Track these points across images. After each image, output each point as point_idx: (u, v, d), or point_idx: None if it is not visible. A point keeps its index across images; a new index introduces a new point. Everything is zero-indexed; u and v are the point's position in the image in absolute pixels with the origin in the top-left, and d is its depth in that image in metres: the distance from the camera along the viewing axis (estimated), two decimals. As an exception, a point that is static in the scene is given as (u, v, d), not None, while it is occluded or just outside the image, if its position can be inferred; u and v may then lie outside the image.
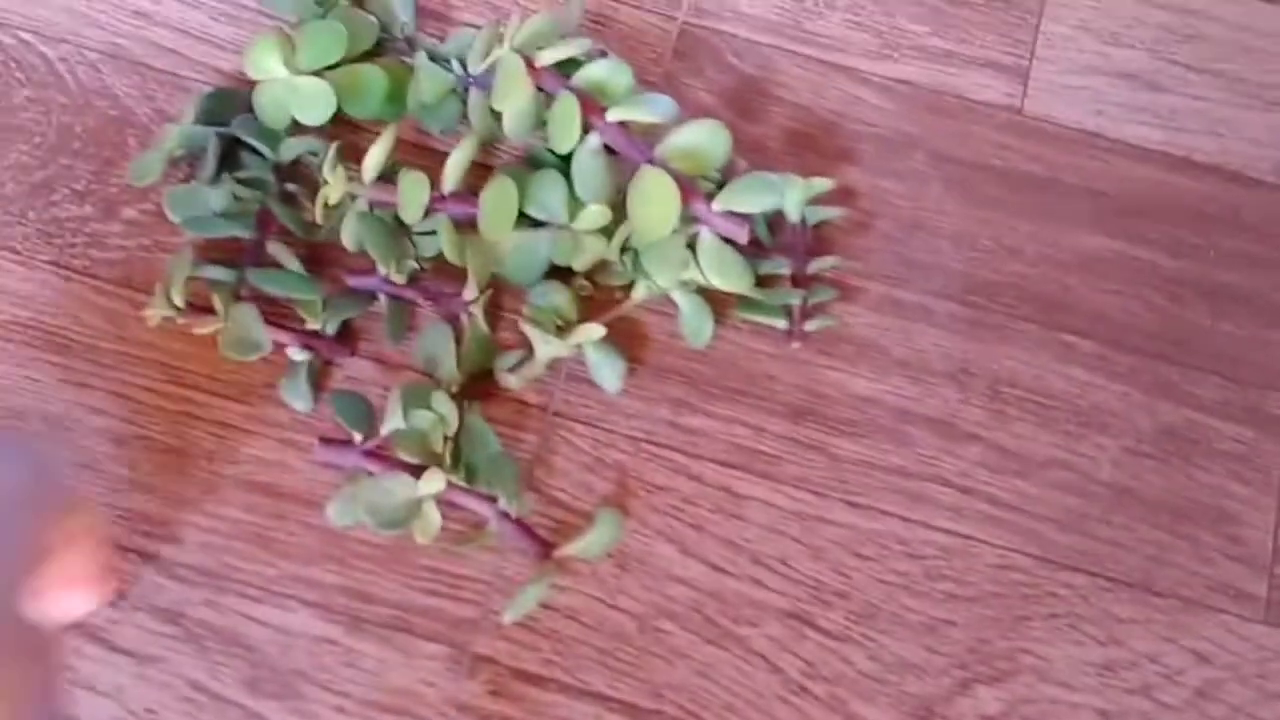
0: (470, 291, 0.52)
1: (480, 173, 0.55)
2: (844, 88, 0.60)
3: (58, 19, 0.58)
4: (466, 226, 0.53)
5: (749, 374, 0.55)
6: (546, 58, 0.53)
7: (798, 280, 0.55)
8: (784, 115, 0.59)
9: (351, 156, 0.55)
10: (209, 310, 0.52)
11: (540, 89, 0.53)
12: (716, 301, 0.55)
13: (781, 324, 0.55)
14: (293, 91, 0.54)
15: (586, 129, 0.52)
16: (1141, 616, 0.53)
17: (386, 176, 0.54)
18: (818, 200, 0.56)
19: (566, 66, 0.53)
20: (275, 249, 0.54)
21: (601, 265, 0.55)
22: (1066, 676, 0.52)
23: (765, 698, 0.50)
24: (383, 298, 0.54)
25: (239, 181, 0.54)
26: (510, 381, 0.53)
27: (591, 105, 0.52)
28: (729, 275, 0.53)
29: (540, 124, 0.54)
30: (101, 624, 0.49)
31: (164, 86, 0.58)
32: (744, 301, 0.55)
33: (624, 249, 0.54)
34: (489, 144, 0.57)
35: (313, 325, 0.53)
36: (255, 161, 0.55)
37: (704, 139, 0.53)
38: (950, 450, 0.54)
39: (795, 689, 0.51)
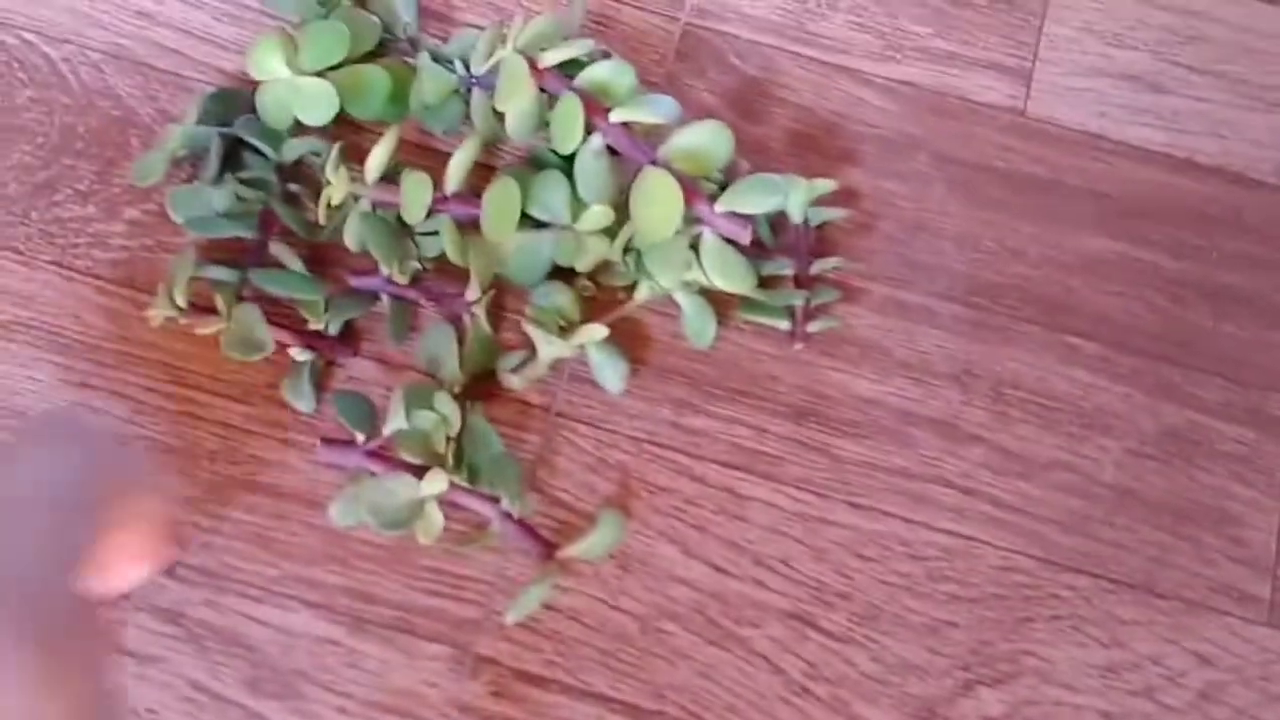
0: (473, 292, 0.52)
1: (483, 173, 0.55)
2: (847, 89, 0.60)
3: (61, 19, 0.58)
4: (469, 227, 0.53)
5: (751, 375, 0.55)
6: (549, 58, 0.53)
7: (800, 281, 0.55)
8: (786, 116, 0.59)
9: (354, 157, 0.54)
10: (211, 310, 0.52)
11: (543, 90, 0.53)
12: (719, 302, 0.54)
13: (784, 325, 0.55)
14: (295, 92, 0.54)
15: (589, 130, 0.52)
16: (1144, 618, 0.53)
17: (389, 177, 0.54)
18: (820, 201, 0.56)
19: (569, 67, 0.53)
20: (278, 249, 0.54)
21: (604, 266, 0.55)
22: (1069, 678, 0.52)
23: (767, 699, 0.50)
24: (385, 298, 0.54)
25: (242, 182, 0.54)
26: (513, 382, 0.53)
27: (594, 106, 0.52)
28: (732, 276, 0.53)
29: (543, 125, 0.54)
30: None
31: (167, 87, 0.58)
32: (746, 302, 0.55)
33: (627, 250, 0.54)
34: (491, 145, 0.57)
35: (315, 326, 0.53)
36: (258, 162, 0.55)
37: (707, 140, 0.52)
38: (953, 452, 0.54)
39: (797, 690, 0.51)
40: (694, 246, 0.53)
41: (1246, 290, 0.57)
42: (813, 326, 0.55)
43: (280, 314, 0.53)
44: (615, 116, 0.52)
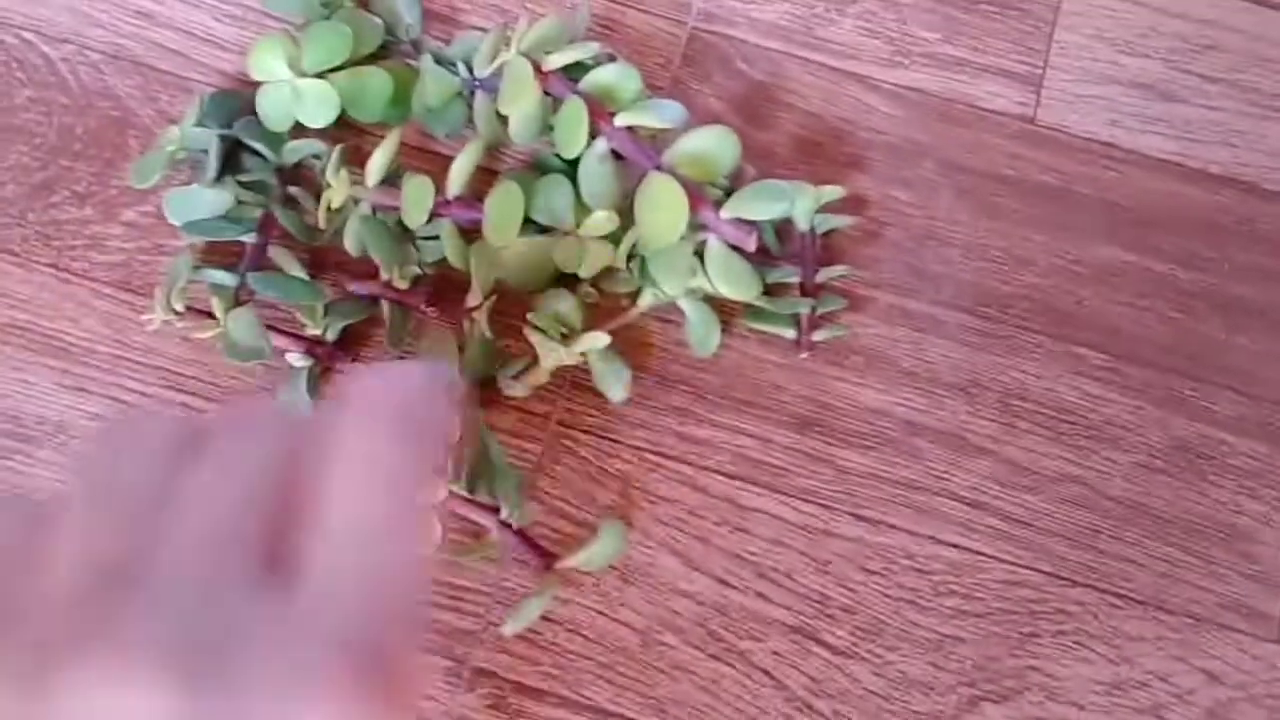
0: (474, 298, 0.52)
1: (485, 178, 0.54)
2: (855, 95, 0.59)
3: (60, 19, 0.57)
4: (471, 232, 0.52)
5: (756, 384, 0.54)
6: (554, 62, 0.52)
7: (806, 289, 0.55)
8: (793, 122, 0.58)
9: (355, 160, 0.54)
10: (209, 315, 0.51)
11: (547, 93, 0.53)
12: (723, 310, 0.54)
13: (789, 333, 0.54)
14: (296, 94, 0.53)
15: (594, 134, 0.52)
16: (1152, 634, 0.52)
17: (390, 180, 0.53)
18: (827, 208, 0.55)
19: (574, 71, 0.53)
20: (277, 253, 0.53)
21: (607, 272, 0.54)
22: (1076, 695, 0.51)
23: (769, 714, 0.50)
24: (385, 303, 0.53)
25: (241, 184, 0.54)
26: (514, 389, 0.53)
27: (599, 110, 0.52)
28: (737, 283, 0.52)
29: (547, 129, 0.53)
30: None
31: (167, 88, 0.57)
32: (751, 310, 0.54)
33: (630, 256, 0.53)
34: (494, 148, 0.56)
35: (314, 331, 0.52)
36: (257, 164, 0.54)
37: (712, 145, 0.52)
38: (960, 464, 0.54)
39: (800, 706, 0.50)
40: (699, 253, 0.52)
41: (1259, 302, 0.57)
42: (818, 335, 0.54)
43: (279, 319, 0.52)
44: (620, 121, 0.51)
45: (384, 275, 0.52)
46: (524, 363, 0.53)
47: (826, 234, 0.56)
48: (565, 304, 0.53)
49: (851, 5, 0.60)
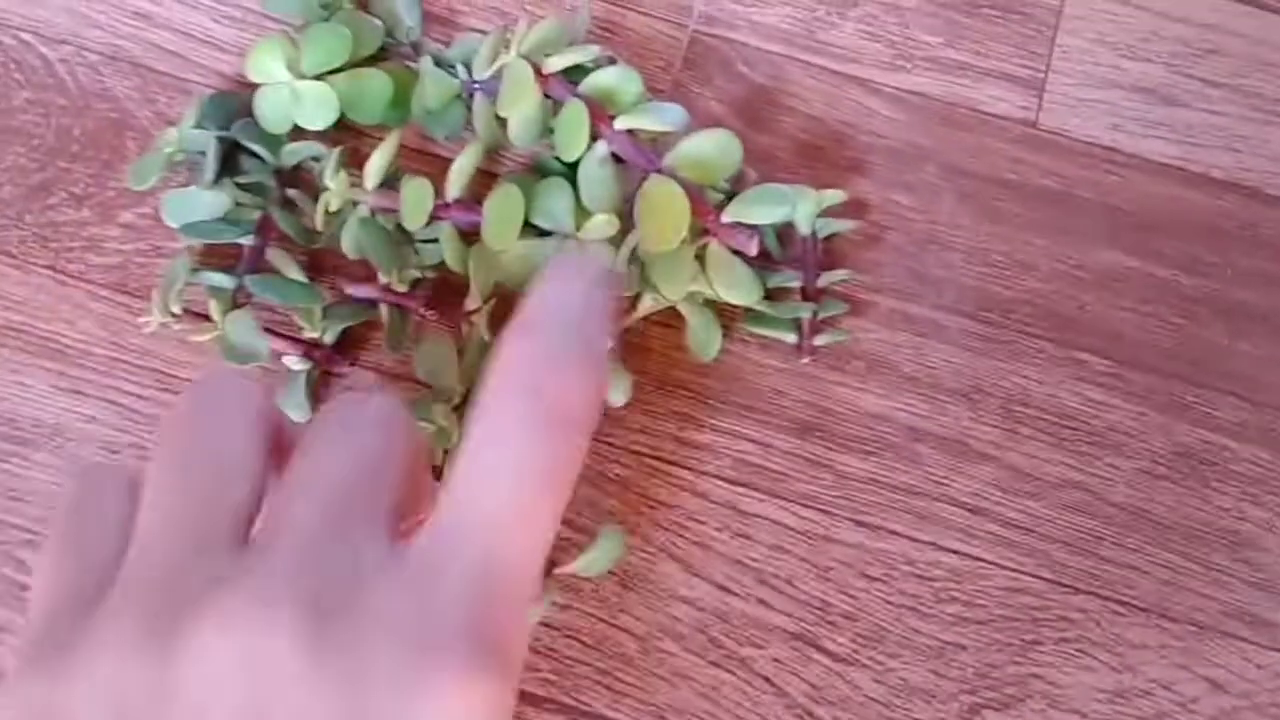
0: (473, 301, 0.51)
1: (485, 180, 0.54)
2: (856, 98, 0.59)
3: (58, 20, 0.57)
4: (470, 235, 0.52)
5: (757, 389, 0.54)
6: (554, 64, 0.52)
7: (807, 294, 0.54)
8: (795, 126, 0.58)
9: (354, 162, 0.54)
10: (206, 317, 0.51)
11: (547, 96, 0.52)
12: (724, 314, 0.54)
13: (791, 338, 0.54)
14: (295, 96, 0.53)
15: (594, 137, 0.51)
16: (1155, 642, 0.51)
17: (389, 183, 0.53)
18: (829, 212, 0.55)
19: (574, 73, 0.53)
20: (275, 255, 0.53)
21: (607, 276, 0.53)
22: (1078, 703, 0.51)
23: (770, 721, 0.49)
24: (383, 307, 0.53)
25: (239, 186, 0.53)
26: (513, 394, 0.52)
27: (599, 113, 0.51)
28: (738, 288, 0.52)
29: (547, 131, 0.53)
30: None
31: (165, 89, 0.57)
32: (752, 315, 0.54)
33: (631, 260, 0.53)
34: (494, 151, 0.56)
35: (312, 334, 0.52)
36: (256, 166, 0.54)
37: (714, 149, 0.52)
38: (961, 469, 0.53)
39: (801, 713, 0.50)
40: (699, 257, 0.52)
41: (1262, 307, 0.56)
42: (819, 340, 0.54)
43: (277, 321, 0.52)
44: (620, 124, 0.51)
45: (382, 278, 0.52)
46: (523, 367, 0.52)
47: (828, 238, 0.56)
48: (565, 308, 0.53)
49: (853, 9, 0.60)
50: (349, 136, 0.55)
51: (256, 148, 0.54)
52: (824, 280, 0.54)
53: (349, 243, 0.53)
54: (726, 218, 0.51)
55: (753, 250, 0.51)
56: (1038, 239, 0.57)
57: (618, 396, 0.52)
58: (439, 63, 0.55)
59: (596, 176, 0.51)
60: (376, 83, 0.55)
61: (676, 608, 0.51)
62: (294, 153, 0.54)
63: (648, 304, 0.53)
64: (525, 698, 0.49)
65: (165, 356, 0.52)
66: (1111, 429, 0.54)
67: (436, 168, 0.54)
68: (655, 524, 0.52)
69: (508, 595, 0.29)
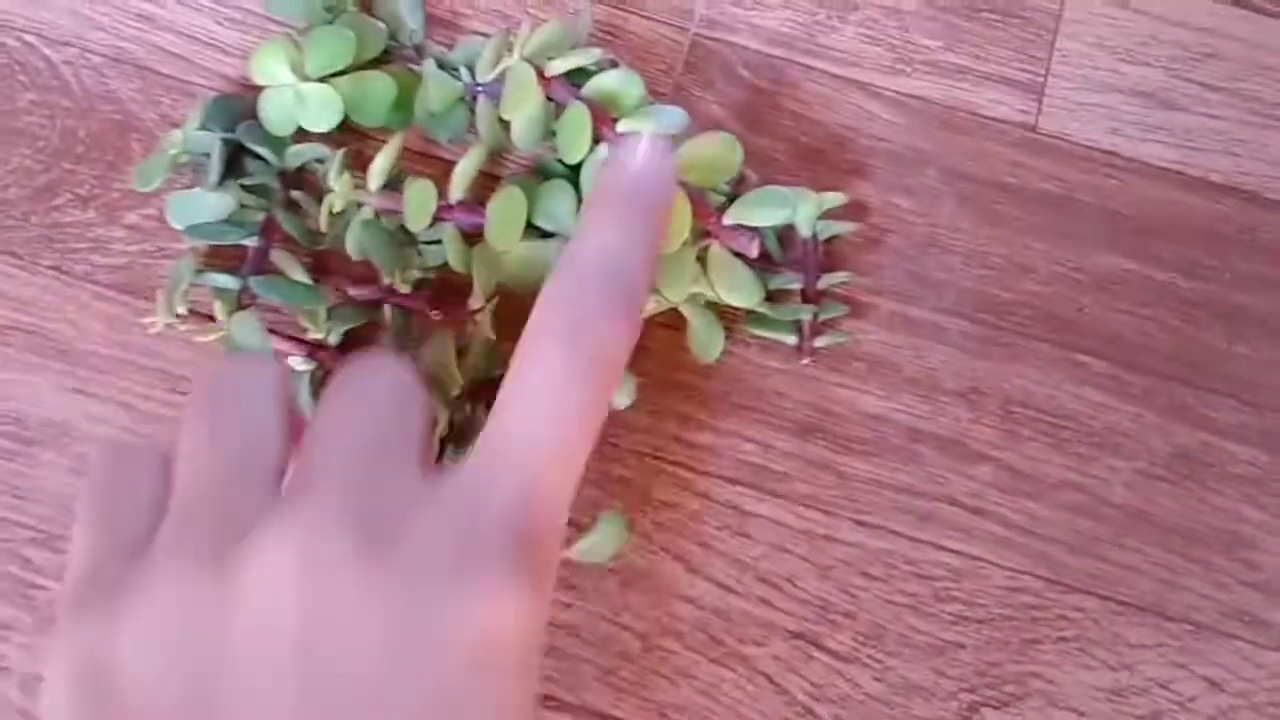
0: (476, 300, 0.52)
1: (487, 183, 0.55)
2: (856, 102, 0.59)
3: (62, 22, 0.57)
4: (473, 236, 0.52)
5: (757, 390, 0.54)
6: (556, 67, 0.52)
7: (808, 296, 0.55)
8: (795, 129, 0.58)
9: (358, 164, 0.54)
10: (211, 318, 0.51)
11: (550, 99, 0.53)
12: (725, 316, 0.54)
13: (791, 340, 0.54)
14: (299, 98, 0.54)
15: (596, 140, 0.52)
16: (1153, 641, 0.52)
17: (392, 185, 0.53)
18: (829, 215, 0.55)
19: (576, 76, 0.53)
20: (279, 257, 0.53)
21: (609, 278, 0.54)
22: (1076, 702, 0.51)
23: (770, 719, 0.50)
24: (387, 308, 0.53)
25: (243, 188, 0.54)
26: (515, 394, 0.52)
27: (602, 116, 0.52)
28: (739, 290, 0.52)
29: (549, 134, 0.53)
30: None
31: (169, 91, 0.57)
32: (753, 316, 0.54)
33: (632, 261, 0.53)
34: (497, 154, 0.56)
35: (316, 335, 0.52)
36: (260, 168, 0.55)
37: (715, 151, 0.52)
38: (961, 470, 0.54)
39: (801, 710, 0.50)
40: (701, 259, 0.52)
41: (1260, 311, 0.57)
42: (820, 341, 0.54)
43: (281, 322, 0.52)
44: (623, 126, 0.51)
45: (385, 279, 0.52)
46: (526, 368, 0.53)
47: (828, 241, 0.56)
48: (567, 309, 0.53)
49: (853, 13, 0.61)
50: (353, 139, 0.56)
51: (261, 150, 0.54)
52: (824, 282, 0.55)
53: (352, 244, 0.53)
54: (728, 220, 0.51)
55: (754, 252, 0.51)
56: (1037, 242, 0.57)
57: (623, 398, 0.52)
58: (442, 66, 0.56)
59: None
60: (380, 85, 0.55)
61: (678, 606, 0.51)
62: (298, 155, 0.54)
63: (650, 306, 0.53)
64: (527, 696, 0.49)
65: (170, 357, 0.53)
66: (1110, 430, 0.54)
67: (439, 170, 0.55)
68: (657, 523, 0.52)
69: (545, 520, 0.31)
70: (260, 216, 0.53)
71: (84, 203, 0.55)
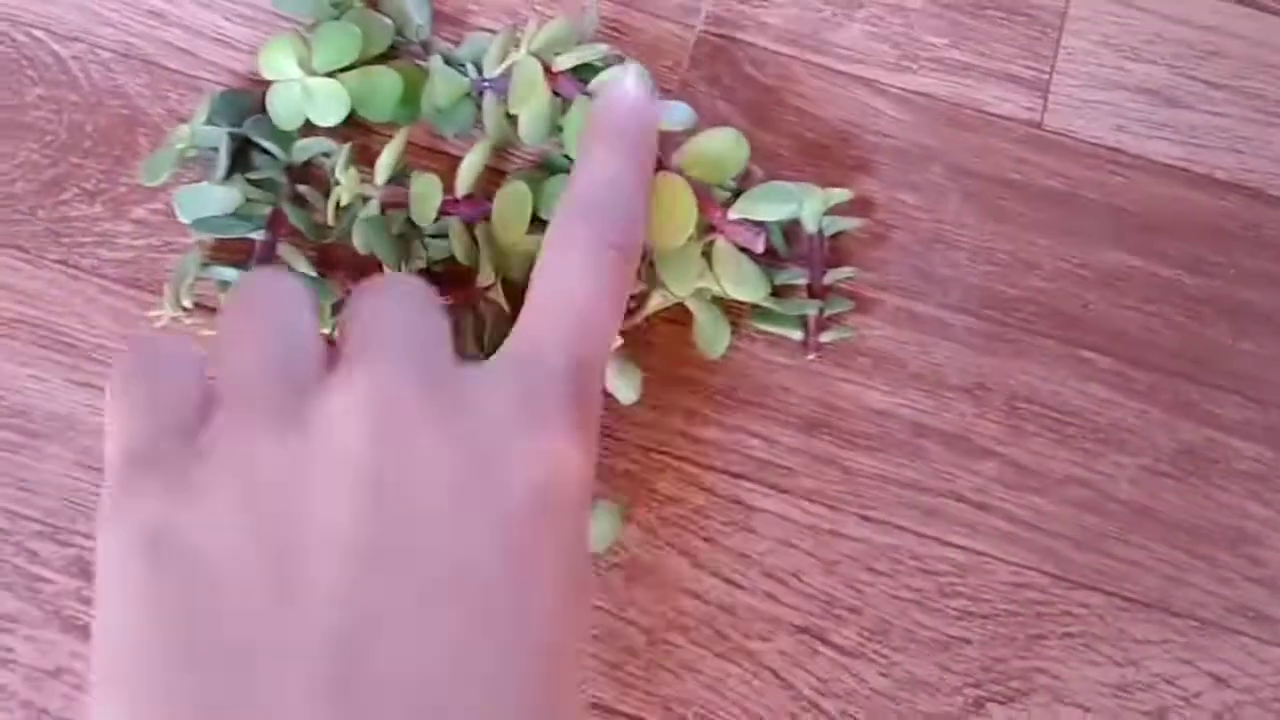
0: (485, 278, 0.51)
1: (493, 178, 0.55)
2: (862, 98, 0.59)
3: (70, 17, 0.58)
4: (479, 230, 0.53)
5: (763, 385, 0.54)
6: (563, 63, 0.53)
7: (813, 291, 0.55)
8: (800, 125, 0.58)
9: (364, 159, 0.54)
10: (217, 311, 0.51)
11: (556, 94, 0.53)
12: (730, 311, 0.54)
13: (797, 335, 0.54)
14: (306, 93, 0.54)
15: (603, 134, 0.52)
16: (1158, 637, 0.52)
17: (398, 179, 0.53)
18: (835, 211, 0.55)
19: (583, 72, 0.53)
20: (286, 251, 0.53)
21: (615, 273, 0.54)
22: (1082, 697, 0.51)
23: (776, 713, 0.50)
24: (393, 302, 0.53)
25: (250, 182, 0.54)
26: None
27: (608, 110, 0.52)
28: (745, 285, 0.52)
29: (556, 129, 0.54)
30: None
31: (177, 86, 0.57)
32: (759, 311, 0.54)
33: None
34: (503, 148, 0.56)
35: (322, 329, 0.52)
36: (267, 162, 0.55)
37: (721, 147, 0.52)
38: (966, 465, 0.54)
39: (806, 705, 0.50)
40: (706, 254, 0.52)
41: (1265, 307, 0.57)
42: (826, 337, 0.54)
43: (287, 316, 0.52)
44: (629, 122, 0.51)
45: (390, 273, 0.52)
46: (532, 362, 0.53)
47: (834, 236, 0.56)
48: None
49: (859, 10, 0.61)
50: (359, 133, 0.56)
51: (268, 144, 0.54)
52: (830, 278, 0.55)
53: (358, 238, 0.53)
54: (733, 215, 0.51)
55: (759, 247, 0.51)
56: (1042, 238, 0.57)
57: (629, 394, 0.52)
58: (449, 61, 0.56)
59: (605, 173, 0.52)
60: (387, 80, 0.55)
61: (683, 601, 0.51)
62: (305, 149, 0.55)
63: (655, 301, 0.53)
64: (533, 690, 0.49)
65: (176, 350, 0.53)
66: (1115, 426, 0.55)
67: (446, 164, 0.55)
68: (662, 518, 0.52)
69: (591, 385, 0.36)
70: (267, 210, 0.53)
71: (91, 197, 0.55)
